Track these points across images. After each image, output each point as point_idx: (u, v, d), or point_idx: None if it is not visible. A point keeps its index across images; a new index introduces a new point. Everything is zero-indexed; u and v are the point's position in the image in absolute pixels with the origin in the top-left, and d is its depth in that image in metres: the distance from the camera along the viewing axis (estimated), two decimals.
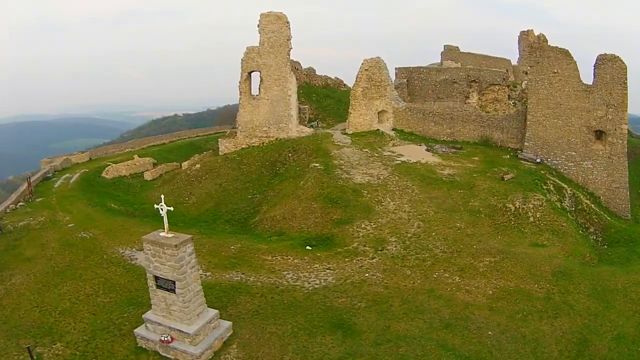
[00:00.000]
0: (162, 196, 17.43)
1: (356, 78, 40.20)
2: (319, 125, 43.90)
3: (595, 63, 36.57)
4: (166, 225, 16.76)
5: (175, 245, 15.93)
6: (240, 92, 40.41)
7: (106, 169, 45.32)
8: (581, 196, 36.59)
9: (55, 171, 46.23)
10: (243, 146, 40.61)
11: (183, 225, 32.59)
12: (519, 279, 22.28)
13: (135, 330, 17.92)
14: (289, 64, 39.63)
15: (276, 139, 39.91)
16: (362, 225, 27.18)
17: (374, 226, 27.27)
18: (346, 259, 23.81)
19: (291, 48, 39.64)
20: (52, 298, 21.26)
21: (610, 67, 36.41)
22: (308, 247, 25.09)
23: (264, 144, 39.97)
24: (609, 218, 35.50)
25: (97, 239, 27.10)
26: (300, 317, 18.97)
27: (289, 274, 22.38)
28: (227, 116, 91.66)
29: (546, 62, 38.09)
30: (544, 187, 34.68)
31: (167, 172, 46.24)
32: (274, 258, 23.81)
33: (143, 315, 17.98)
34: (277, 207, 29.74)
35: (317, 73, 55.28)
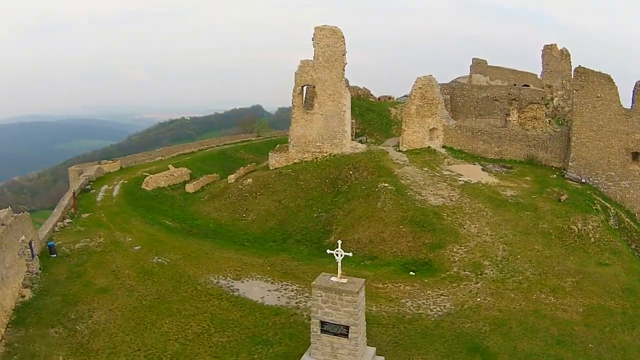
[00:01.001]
0: (339, 242, 15.64)
1: (410, 96, 37.79)
2: (367, 141, 40.98)
3: (634, 89, 36.84)
4: (340, 270, 15.02)
5: (357, 292, 14.59)
6: (294, 105, 37.20)
7: (145, 180, 40.99)
8: (622, 215, 36.10)
9: (90, 181, 41.51)
10: (295, 161, 37.34)
11: (250, 245, 29.31)
12: (598, 296, 22.77)
13: None
14: (344, 79, 36.55)
15: (330, 154, 36.82)
16: (454, 250, 25.79)
17: (465, 250, 25.96)
18: (453, 284, 23.00)
19: (346, 63, 36.58)
20: (154, 339, 17.73)
21: None
22: (411, 273, 23.61)
23: (318, 159, 36.82)
24: None
25: (177, 265, 23.41)
26: (438, 344, 18.25)
27: (407, 301, 21.25)
28: (235, 119, 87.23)
29: (590, 86, 37.64)
30: (593, 207, 33.90)
31: (209, 184, 42.37)
32: (385, 285, 22.05)
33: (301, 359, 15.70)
34: (359, 230, 27.01)
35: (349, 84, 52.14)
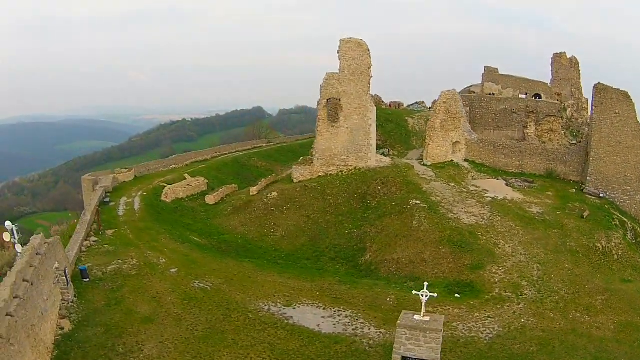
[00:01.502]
0: (426, 284, 16.01)
1: (434, 110, 37.28)
2: (390, 153, 40.36)
3: None
4: (424, 309, 15.73)
5: (440, 330, 15.27)
6: (319, 119, 36.51)
7: (164, 191, 39.83)
8: (638, 229, 36.50)
9: (107, 192, 40.06)
10: (320, 174, 36.68)
11: (283, 263, 28.65)
12: (625, 313, 23.58)
13: None
14: (369, 92, 35.83)
15: (355, 168, 36.17)
16: (493, 270, 25.91)
17: (503, 271, 26.11)
18: (498, 306, 23.29)
19: (372, 76, 35.85)
20: None
21: None
22: (457, 295, 23.73)
23: (343, 172, 36.18)
24: None
25: (222, 290, 22.66)
26: None
27: (459, 324, 21.38)
28: (237, 120, 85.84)
29: (609, 103, 38.10)
30: (613, 222, 34.34)
31: (228, 195, 41.37)
32: (435, 309, 21.74)
33: None
34: (397, 249, 26.77)
35: None
